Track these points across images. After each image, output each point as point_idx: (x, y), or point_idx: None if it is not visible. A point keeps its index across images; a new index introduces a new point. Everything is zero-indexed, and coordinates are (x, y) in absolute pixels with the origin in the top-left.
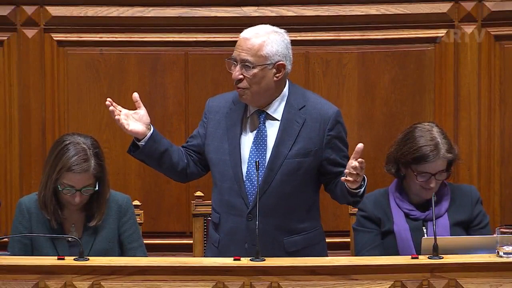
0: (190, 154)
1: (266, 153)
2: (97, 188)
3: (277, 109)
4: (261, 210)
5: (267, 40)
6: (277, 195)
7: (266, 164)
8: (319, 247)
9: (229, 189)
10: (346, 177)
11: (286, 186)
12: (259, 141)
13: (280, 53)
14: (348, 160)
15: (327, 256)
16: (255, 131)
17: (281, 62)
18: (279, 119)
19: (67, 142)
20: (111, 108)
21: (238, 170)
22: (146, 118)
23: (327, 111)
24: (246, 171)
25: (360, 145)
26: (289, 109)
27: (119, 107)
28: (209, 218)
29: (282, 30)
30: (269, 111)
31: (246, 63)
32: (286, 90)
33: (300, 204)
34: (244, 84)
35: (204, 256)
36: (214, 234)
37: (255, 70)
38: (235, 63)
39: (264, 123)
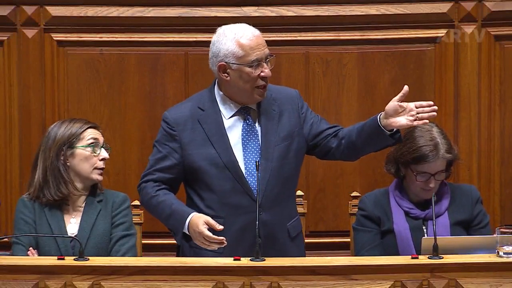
0: (169, 184)
1: (259, 145)
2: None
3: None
4: (268, 201)
5: None
6: (278, 183)
7: (260, 155)
8: (301, 233)
9: (232, 189)
10: (412, 121)
11: (284, 171)
12: (249, 136)
13: None
14: (324, 120)
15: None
16: (240, 129)
17: None
18: (258, 110)
19: (54, 124)
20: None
21: (237, 170)
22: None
23: (291, 93)
24: (245, 168)
25: (406, 88)
26: (263, 99)
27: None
28: None
29: None
30: (252, 106)
31: (271, 55)
32: None
33: (293, 187)
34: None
35: None
36: None
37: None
38: (262, 62)
39: (250, 117)
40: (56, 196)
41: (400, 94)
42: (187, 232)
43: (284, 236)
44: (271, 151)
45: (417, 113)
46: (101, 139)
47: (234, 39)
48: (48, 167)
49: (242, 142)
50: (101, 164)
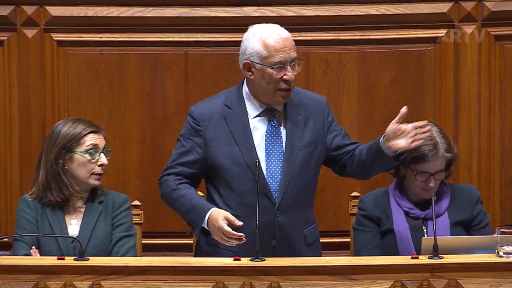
0: (191, 179)
1: (283, 147)
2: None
3: (281, 105)
4: (287, 204)
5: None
6: (298, 187)
7: (283, 158)
8: (318, 241)
9: (252, 190)
10: (411, 143)
11: (305, 177)
12: (273, 138)
13: None
14: (347, 135)
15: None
16: (264, 129)
17: None
18: (284, 113)
19: (59, 122)
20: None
21: (259, 170)
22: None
23: (319, 100)
24: (266, 169)
25: (404, 109)
26: (290, 102)
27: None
28: None
29: None
30: (278, 108)
31: (298, 59)
32: None
33: (312, 194)
34: (292, 83)
35: None
36: None
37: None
38: (284, 65)
39: (274, 119)
40: (58, 198)
41: (398, 116)
42: (206, 227)
43: (301, 241)
44: (294, 155)
45: (415, 134)
46: (102, 144)
47: (260, 38)
48: (49, 170)
49: (265, 143)
50: (98, 170)
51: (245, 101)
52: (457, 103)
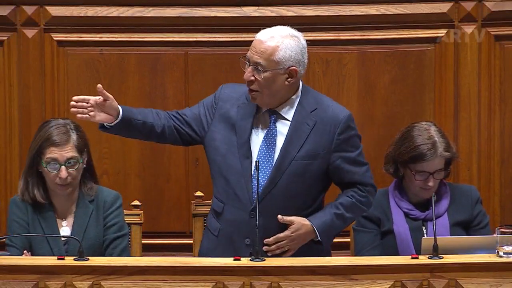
0: (176, 122)
1: (274, 153)
2: (82, 162)
3: (289, 110)
4: (266, 209)
5: (281, 45)
6: (282, 196)
7: (273, 164)
8: (322, 246)
9: (236, 182)
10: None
11: (292, 188)
12: (269, 140)
13: (294, 58)
14: (357, 166)
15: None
16: (265, 130)
17: (293, 68)
18: (290, 120)
19: (48, 120)
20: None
21: (246, 166)
22: (114, 105)
23: (338, 114)
24: (254, 168)
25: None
26: (301, 111)
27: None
28: None
29: (299, 34)
30: (281, 112)
31: (258, 66)
32: (299, 92)
33: (304, 205)
34: (255, 86)
35: (201, 244)
36: (214, 222)
37: (266, 74)
38: (248, 63)
39: (275, 123)
40: (41, 198)
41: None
42: None
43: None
44: (286, 164)
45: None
46: (63, 158)
47: None
48: (27, 170)
49: (261, 144)
50: (58, 181)
51: None
52: (457, 103)
